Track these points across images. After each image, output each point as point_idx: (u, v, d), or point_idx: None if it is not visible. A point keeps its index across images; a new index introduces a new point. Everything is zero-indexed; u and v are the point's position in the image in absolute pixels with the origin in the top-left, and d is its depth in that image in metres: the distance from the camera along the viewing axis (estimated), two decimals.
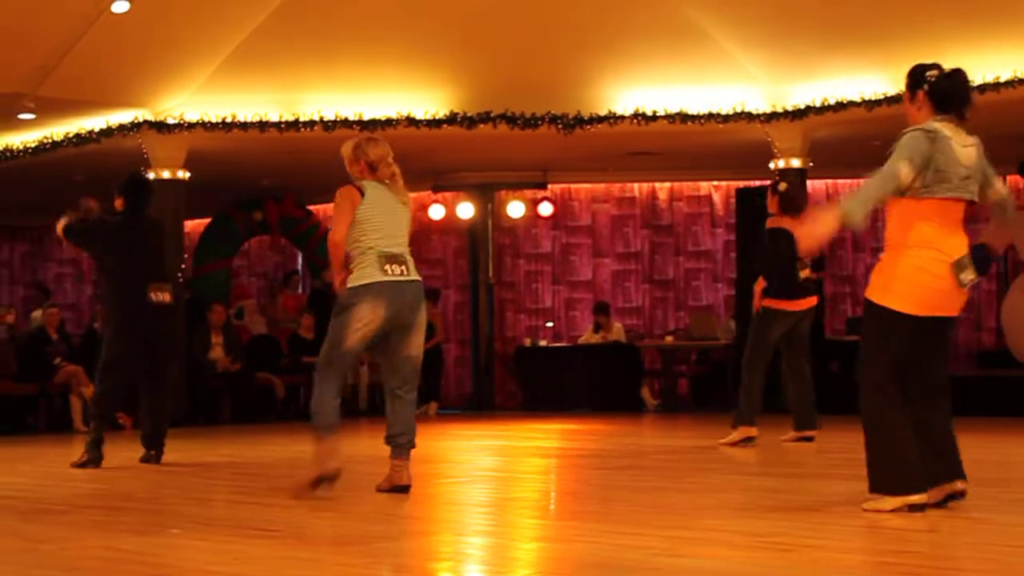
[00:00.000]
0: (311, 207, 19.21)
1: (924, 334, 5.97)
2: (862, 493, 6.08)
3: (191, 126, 15.04)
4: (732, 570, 4.71)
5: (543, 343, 18.22)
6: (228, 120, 15.02)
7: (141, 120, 14.99)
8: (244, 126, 15.06)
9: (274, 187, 18.52)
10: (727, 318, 17.45)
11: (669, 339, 17.76)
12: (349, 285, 6.99)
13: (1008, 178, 17.35)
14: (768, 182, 15.70)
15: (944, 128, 5.94)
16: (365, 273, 6.97)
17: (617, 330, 17.44)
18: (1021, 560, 4.81)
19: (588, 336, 17.57)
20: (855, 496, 6.28)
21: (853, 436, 11.61)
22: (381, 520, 6.24)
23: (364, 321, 6.94)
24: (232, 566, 4.94)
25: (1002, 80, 13.37)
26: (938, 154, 5.86)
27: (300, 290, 19.43)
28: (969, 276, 5.91)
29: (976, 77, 13.40)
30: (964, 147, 5.98)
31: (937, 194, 5.89)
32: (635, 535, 5.52)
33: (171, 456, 9.80)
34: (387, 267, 6.98)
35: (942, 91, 6.00)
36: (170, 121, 15.02)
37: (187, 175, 15.45)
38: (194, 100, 14.96)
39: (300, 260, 20.18)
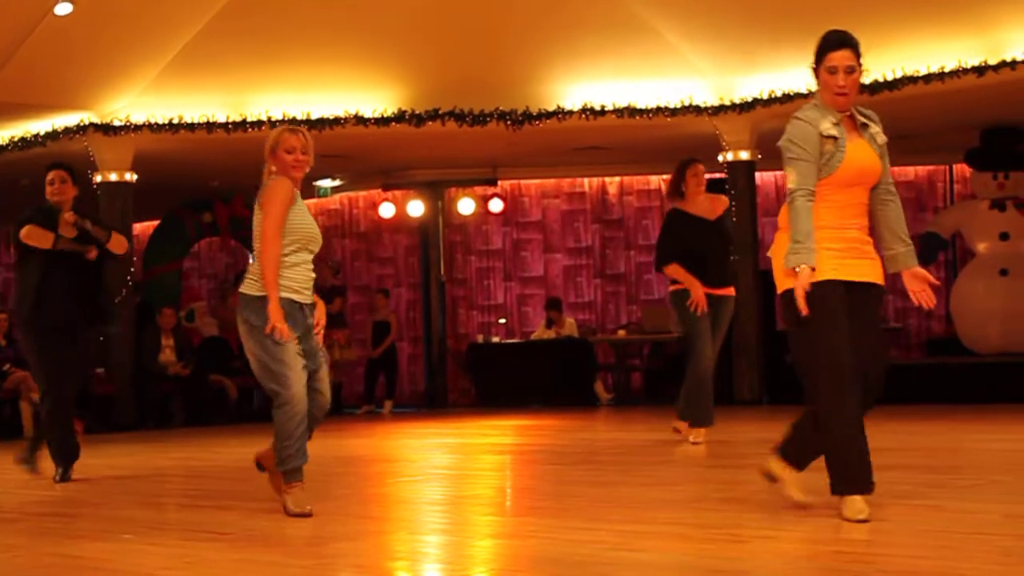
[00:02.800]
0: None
1: None
2: (812, 483, 6.09)
3: (138, 128, 14.95)
4: (685, 563, 4.72)
5: (496, 339, 18.22)
6: (175, 121, 14.95)
7: (87, 123, 14.89)
8: (191, 127, 14.99)
9: (223, 188, 18.43)
10: None
11: (621, 333, 17.80)
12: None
13: (955, 167, 17.53)
14: (718, 175, 15.85)
15: None
16: None
17: (570, 325, 17.46)
18: (974, 546, 4.84)
19: (541, 332, 17.58)
20: (808, 485, 6.30)
21: None
22: (336, 521, 6.21)
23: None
24: (185, 570, 4.91)
25: (947, 70, 13.46)
26: None
27: None
28: None
29: (921, 67, 13.53)
30: None
31: None
32: (589, 530, 5.53)
33: (123, 461, 9.73)
34: None
35: None
36: (116, 123, 14.92)
37: (134, 177, 15.35)
38: (140, 102, 14.87)
39: (250, 260, 20.09)
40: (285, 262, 6.33)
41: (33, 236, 8.36)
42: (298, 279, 6.38)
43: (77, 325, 8.48)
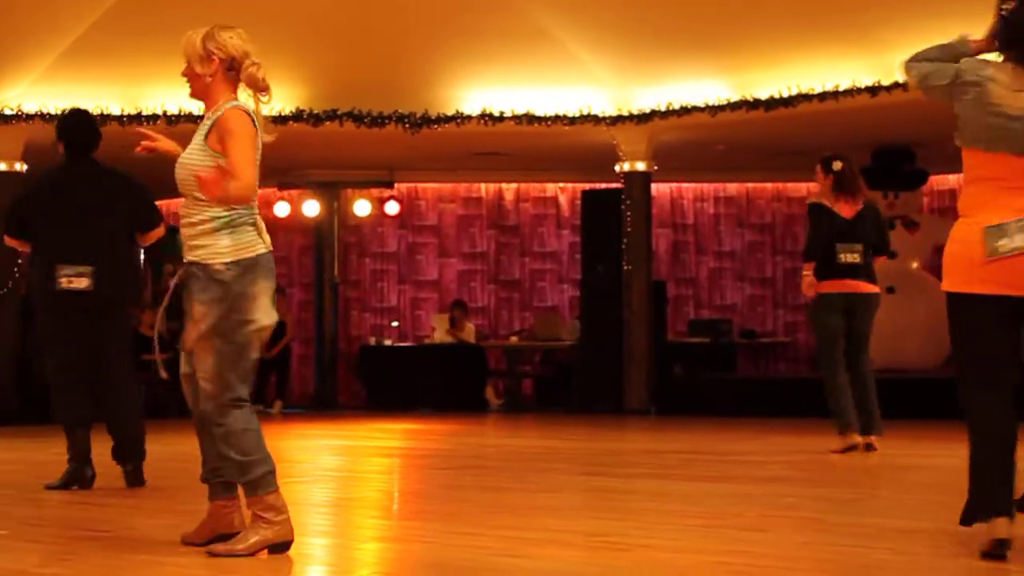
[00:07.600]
0: (156, 202, 18.87)
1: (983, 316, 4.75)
2: (698, 492, 6.17)
3: (29, 117, 14.68)
4: (569, 570, 4.74)
5: (388, 342, 18.17)
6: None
7: None
8: None
9: None
10: (572, 319, 17.60)
11: (514, 339, 17.85)
12: (233, 258, 5.29)
13: None
14: (615, 185, 15.94)
15: (991, 68, 4.79)
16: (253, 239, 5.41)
17: (468, 330, 17.45)
18: (851, 558, 4.91)
19: (442, 331, 17.52)
20: (691, 496, 6.37)
21: (692, 437, 11.78)
22: None
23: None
24: (61, 567, 4.83)
25: (841, 89, 13.66)
26: (961, 101, 4.80)
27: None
28: (1007, 244, 4.65)
29: (816, 86, 13.73)
30: (1016, 92, 4.73)
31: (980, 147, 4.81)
32: (475, 535, 5.53)
33: (4, 455, 9.56)
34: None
35: (1016, 22, 4.78)
36: (7, 112, 14.66)
37: (25, 167, 15.09)
38: (32, 91, 14.61)
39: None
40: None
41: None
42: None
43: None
